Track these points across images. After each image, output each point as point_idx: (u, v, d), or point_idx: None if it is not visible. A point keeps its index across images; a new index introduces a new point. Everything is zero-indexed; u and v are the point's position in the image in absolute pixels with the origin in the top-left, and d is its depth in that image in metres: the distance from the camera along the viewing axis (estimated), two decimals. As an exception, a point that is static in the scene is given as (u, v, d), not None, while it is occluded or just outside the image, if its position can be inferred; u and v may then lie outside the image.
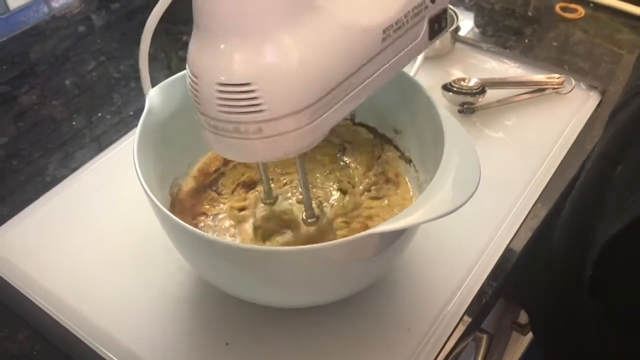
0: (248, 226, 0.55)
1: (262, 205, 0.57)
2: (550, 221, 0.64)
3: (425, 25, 0.47)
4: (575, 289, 0.56)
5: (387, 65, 0.45)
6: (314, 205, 0.54)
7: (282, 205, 0.57)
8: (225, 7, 0.38)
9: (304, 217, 0.54)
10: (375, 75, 0.44)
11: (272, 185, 0.58)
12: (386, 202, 0.58)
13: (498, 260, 0.59)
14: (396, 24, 0.44)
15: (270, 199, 0.56)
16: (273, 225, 0.55)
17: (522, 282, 0.65)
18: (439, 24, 0.48)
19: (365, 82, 0.44)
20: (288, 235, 0.54)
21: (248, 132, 0.40)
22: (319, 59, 0.40)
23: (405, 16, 0.45)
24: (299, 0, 0.39)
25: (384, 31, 0.43)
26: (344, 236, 0.52)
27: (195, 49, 0.40)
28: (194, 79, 0.40)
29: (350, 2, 0.42)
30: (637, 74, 0.54)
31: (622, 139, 0.52)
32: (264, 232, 0.54)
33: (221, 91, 0.39)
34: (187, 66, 0.41)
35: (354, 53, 0.42)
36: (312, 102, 0.40)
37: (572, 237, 0.58)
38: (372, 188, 0.59)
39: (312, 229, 0.54)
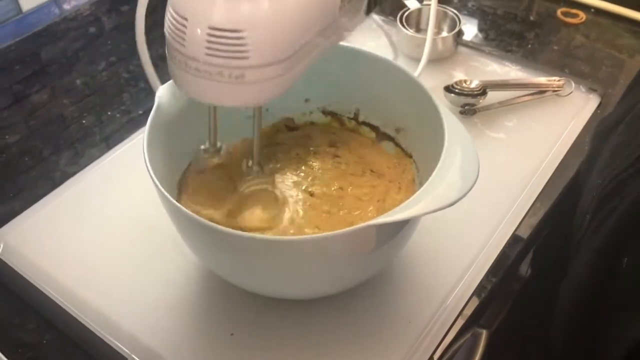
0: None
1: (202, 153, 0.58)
2: (547, 220, 0.65)
3: (365, 1, 0.52)
4: None
5: (337, 32, 0.49)
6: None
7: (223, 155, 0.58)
8: None
9: (249, 165, 0.56)
10: (329, 39, 0.48)
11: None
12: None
13: (497, 257, 0.60)
14: None
15: (213, 147, 0.57)
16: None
17: None
18: (374, 1, 0.54)
19: (322, 45, 0.48)
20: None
21: (231, 77, 0.42)
22: (299, 15, 0.43)
23: None
24: None
25: (341, 0, 0.47)
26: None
27: None
28: (180, 20, 0.41)
29: None
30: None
31: (624, 229, 0.52)
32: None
33: (211, 35, 0.40)
34: (169, 6, 0.42)
35: (320, 15, 0.46)
36: (290, 54, 0.43)
37: (576, 333, 0.58)
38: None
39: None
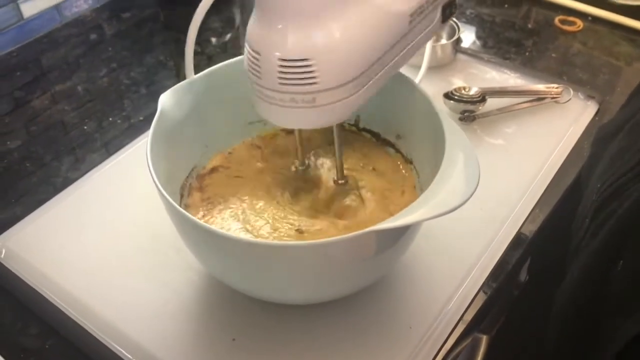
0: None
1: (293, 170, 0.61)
2: (546, 226, 0.65)
3: (439, 10, 0.54)
4: None
5: (410, 45, 0.52)
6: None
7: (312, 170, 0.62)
8: None
9: (335, 179, 0.59)
10: (401, 54, 0.51)
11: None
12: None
13: (497, 262, 0.61)
14: (420, 9, 0.50)
15: (302, 165, 0.61)
16: (301, 184, 0.60)
17: None
18: (449, 9, 0.55)
19: (394, 60, 0.50)
20: (314, 193, 0.59)
21: (303, 102, 0.46)
22: (363, 38, 0.46)
23: (426, 2, 0.51)
24: None
25: (410, 15, 0.49)
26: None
27: (256, 28, 0.46)
28: (255, 55, 0.45)
29: None
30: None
31: (622, 232, 0.52)
32: (293, 190, 0.60)
33: (282, 66, 0.44)
34: (246, 43, 0.47)
35: (388, 34, 0.48)
36: (358, 75, 0.46)
37: (572, 336, 0.58)
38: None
39: (333, 190, 0.59)
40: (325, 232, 0.56)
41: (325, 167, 0.62)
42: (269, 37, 0.44)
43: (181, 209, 0.47)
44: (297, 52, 0.44)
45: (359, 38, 0.45)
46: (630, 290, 0.50)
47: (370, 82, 0.48)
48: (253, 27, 0.46)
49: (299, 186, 0.60)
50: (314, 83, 0.45)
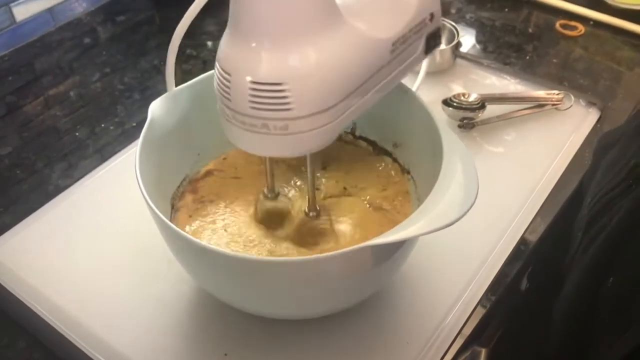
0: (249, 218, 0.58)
1: (262, 198, 0.57)
2: (547, 237, 0.64)
3: (423, 41, 0.52)
4: None
5: (392, 75, 0.50)
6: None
7: (282, 200, 0.58)
8: (262, 13, 0.41)
9: (306, 211, 0.56)
10: (382, 83, 0.49)
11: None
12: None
13: (497, 274, 0.59)
14: (402, 37, 0.48)
15: (272, 193, 0.57)
16: (273, 218, 0.57)
17: None
18: (434, 40, 0.53)
19: (374, 89, 0.48)
20: (285, 229, 0.56)
21: (275, 128, 0.43)
22: (342, 66, 0.44)
23: (410, 31, 0.49)
24: (327, 13, 0.43)
25: (393, 44, 0.48)
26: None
27: (228, 48, 0.43)
28: (225, 76, 0.43)
29: (368, 18, 0.46)
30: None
31: (611, 248, 0.52)
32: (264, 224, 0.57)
33: (253, 89, 0.42)
34: (216, 63, 0.44)
35: (368, 62, 0.46)
36: (334, 103, 0.44)
37: (569, 352, 0.57)
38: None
39: (309, 226, 0.56)
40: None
41: (297, 196, 0.60)
42: (242, 58, 0.42)
43: (170, 223, 0.45)
44: (271, 75, 0.42)
45: (337, 64, 0.43)
46: (619, 308, 0.49)
47: (347, 112, 0.46)
48: (225, 46, 0.43)
49: (272, 214, 0.57)
50: (288, 109, 0.42)
